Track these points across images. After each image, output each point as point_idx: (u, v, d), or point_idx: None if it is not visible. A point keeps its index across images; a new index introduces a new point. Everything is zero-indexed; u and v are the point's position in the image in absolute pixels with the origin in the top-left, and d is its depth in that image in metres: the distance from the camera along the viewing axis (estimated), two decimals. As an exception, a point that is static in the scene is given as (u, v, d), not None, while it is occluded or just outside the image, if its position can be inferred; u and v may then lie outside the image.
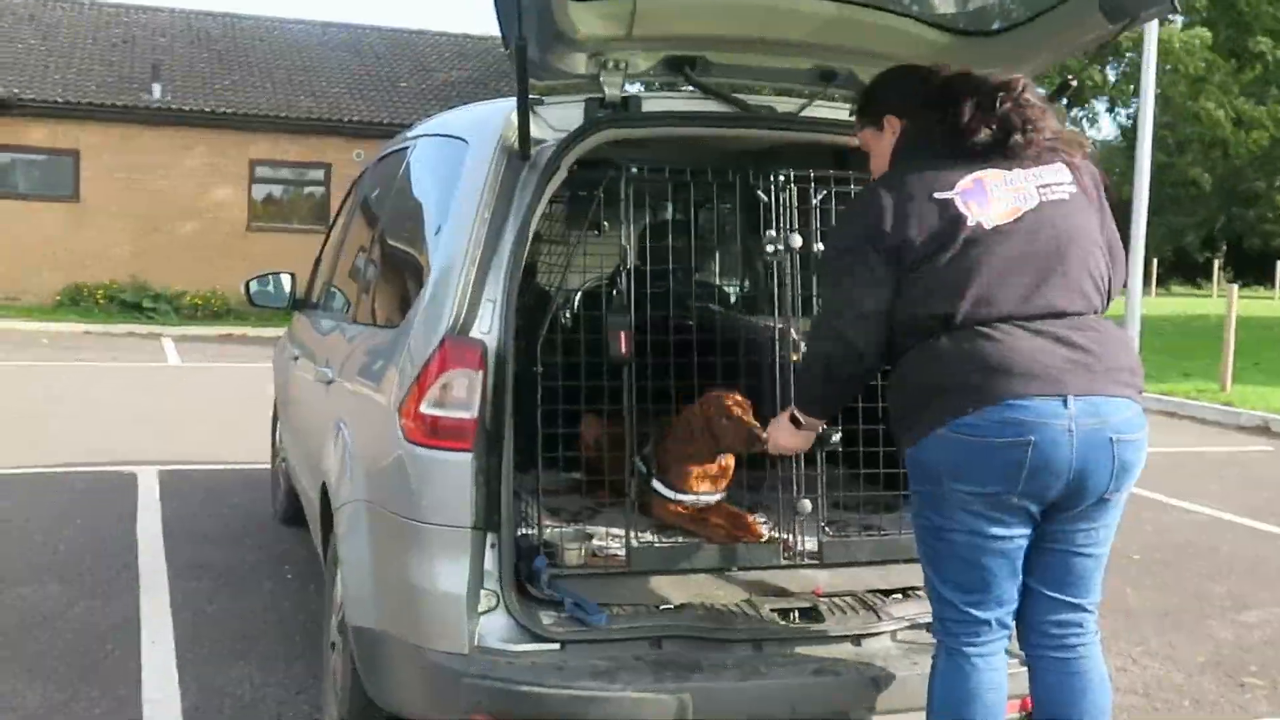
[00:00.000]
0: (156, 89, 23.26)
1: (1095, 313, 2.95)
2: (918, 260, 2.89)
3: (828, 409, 3.23)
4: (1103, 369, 2.84)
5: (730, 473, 3.95)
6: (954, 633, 2.96)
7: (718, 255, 5.44)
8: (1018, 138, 2.94)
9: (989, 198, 2.91)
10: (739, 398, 3.82)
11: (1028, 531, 2.88)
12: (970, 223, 2.88)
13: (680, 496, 3.86)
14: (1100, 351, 2.85)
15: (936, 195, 2.92)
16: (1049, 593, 2.98)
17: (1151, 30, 15.43)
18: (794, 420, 3.23)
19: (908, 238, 2.89)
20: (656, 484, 3.85)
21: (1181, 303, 37.72)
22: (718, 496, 3.91)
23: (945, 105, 2.99)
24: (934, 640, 3.05)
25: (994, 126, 2.93)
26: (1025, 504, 2.81)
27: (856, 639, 3.30)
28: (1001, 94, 2.95)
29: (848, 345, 2.96)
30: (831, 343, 3.01)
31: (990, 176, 2.93)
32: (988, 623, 2.93)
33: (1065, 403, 2.76)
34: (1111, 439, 2.81)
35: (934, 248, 2.88)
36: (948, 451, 2.82)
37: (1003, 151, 2.94)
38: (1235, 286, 16.41)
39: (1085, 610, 3.00)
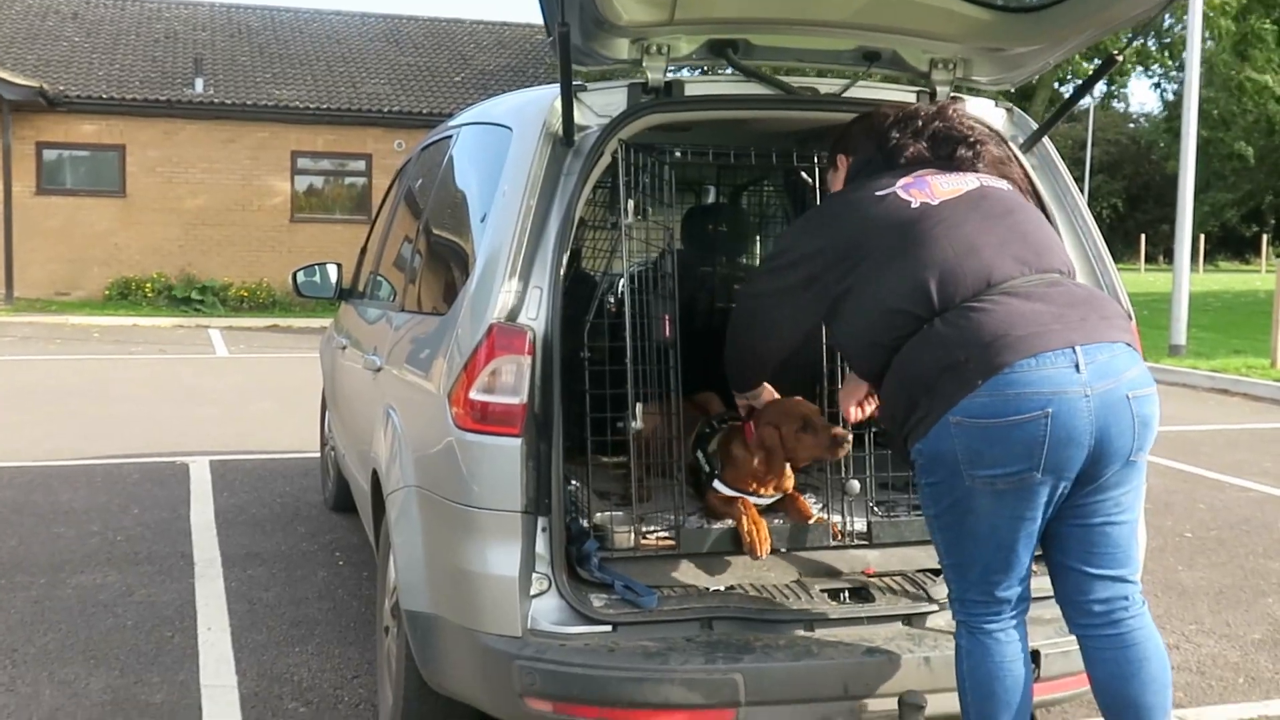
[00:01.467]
0: (199, 83, 23.50)
1: (1068, 273, 3.03)
2: (877, 253, 2.99)
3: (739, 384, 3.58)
4: (1098, 318, 2.86)
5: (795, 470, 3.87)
6: (976, 613, 2.97)
7: (760, 238, 5.42)
8: (964, 151, 3.19)
9: (930, 186, 3.07)
10: (804, 403, 3.72)
11: (1049, 506, 2.85)
12: (915, 205, 3.02)
13: (748, 497, 3.76)
14: (1092, 302, 2.91)
15: (878, 193, 3.09)
16: (1090, 570, 2.95)
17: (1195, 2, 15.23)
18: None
19: (861, 233, 3.04)
20: (719, 485, 3.79)
21: (1229, 279, 37.24)
22: (782, 495, 3.86)
23: (881, 134, 3.24)
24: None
25: (925, 143, 3.18)
26: (1048, 479, 2.77)
27: (907, 618, 3.31)
28: (925, 117, 3.23)
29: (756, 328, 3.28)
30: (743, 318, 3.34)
31: (929, 174, 3.13)
32: (1008, 600, 2.95)
33: (1077, 366, 2.73)
34: (1128, 396, 2.79)
35: (890, 237, 2.99)
36: (962, 438, 2.79)
37: (946, 164, 3.17)
38: (1285, 260, 16.14)
39: (1128, 582, 2.97)
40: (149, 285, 22.36)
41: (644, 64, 3.48)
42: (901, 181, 3.09)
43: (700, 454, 3.87)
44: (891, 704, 3.09)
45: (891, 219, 3.01)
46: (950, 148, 3.19)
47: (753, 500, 3.70)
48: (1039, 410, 2.71)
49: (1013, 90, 4.11)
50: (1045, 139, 3.78)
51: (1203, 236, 39.29)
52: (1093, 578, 2.95)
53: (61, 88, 22.23)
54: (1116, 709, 2.97)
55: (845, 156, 3.38)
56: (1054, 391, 2.71)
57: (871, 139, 3.27)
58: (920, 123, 3.22)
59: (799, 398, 3.77)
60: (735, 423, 3.86)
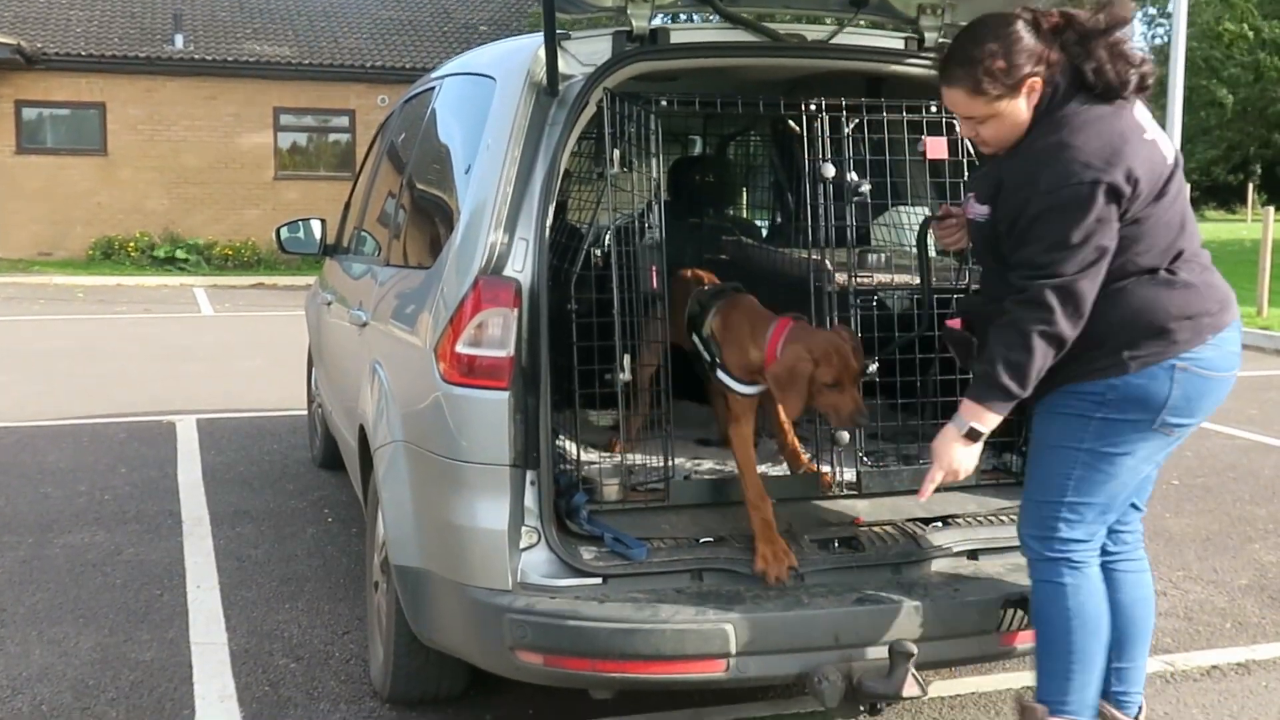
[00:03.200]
0: (179, 39, 23.23)
1: None
2: (1143, 200, 2.87)
3: (1028, 387, 2.90)
4: None
5: None
6: (1078, 550, 3.04)
7: (745, 188, 5.39)
8: (1147, 77, 2.99)
9: (1157, 138, 2.97)
10: (852, 348, 3.37)
11: None
12: (1169, 160, 2.95)
13: (747, 390, 3.60)
14: None
15: (1145, 136, 2.92)
16: (1138, 504, 3.24)
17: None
18: (971, 434, 2.96)
19: (1134, 178, 2.83)
20: (722, 376, 3.64)
21: (1215, 228, 37.23)
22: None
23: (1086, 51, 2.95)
24: (1040, 565, 3.08)
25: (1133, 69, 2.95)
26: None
27: (896, 567, 3.32)
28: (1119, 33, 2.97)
29: (1077, 299, 2.82)
30: (1057, 294, 2.81)
31: (1141, 115, 3.00)
32: (1099, 538, 3.09)
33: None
34: None
35: (1155, 188, 2.89)
36: (1183, 384, 2.91)
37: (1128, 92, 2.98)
38: (1271, 209, 16.11)
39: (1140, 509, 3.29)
40: (132, 245, 22.17)
41: (629, 11, 3.42)
42: (1147, 125, 2.98)
43: (696, 338, 3.75)
44: (881, 652, 3.10)
45: (1158, 174, 2.92)
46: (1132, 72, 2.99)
47: (754, 391, 3.56)
48: (1235, 370, 3.00)
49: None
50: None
51: (1188, 186, 39.17)
52: (1136, 510, 3.24)
53: (39, 45, 21.93)
54: (1136, 627, 3.21)
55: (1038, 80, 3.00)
56: (1239, 353, 3.03)
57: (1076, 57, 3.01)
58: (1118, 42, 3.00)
59: (845, 335, 3.47)
60: (734, 292, 3.72)
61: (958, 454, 2.99)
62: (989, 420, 2.94)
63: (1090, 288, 2.82)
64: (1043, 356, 2.83)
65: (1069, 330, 2.82)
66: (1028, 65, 2.92)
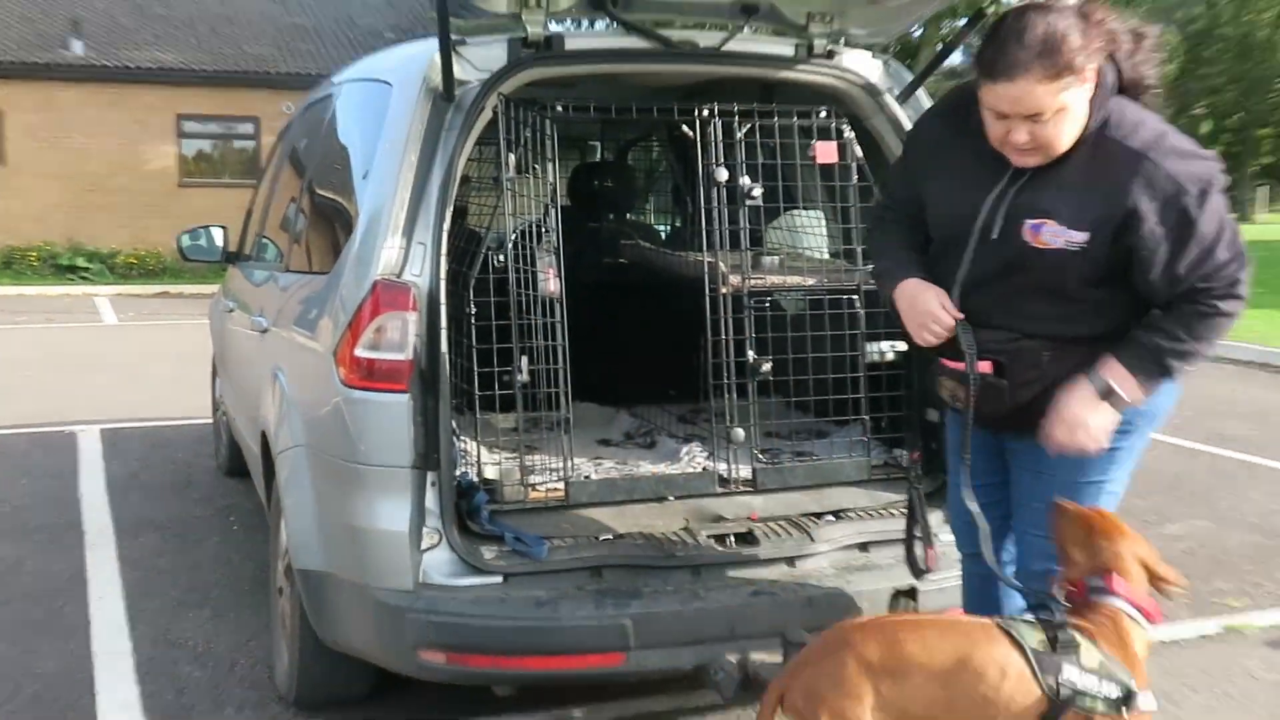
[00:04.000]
0: (77, 45, 22.73)
1: None
2: None
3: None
4: None
5: None
6: None
7: (646, 193, 5.44)
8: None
9: None
10: None
11: None
12: None
13: None
14: None
15: None
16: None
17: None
18: (1107, 393, 2.71)
19: None
20: None
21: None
22: None
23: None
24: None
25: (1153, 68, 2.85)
26: None
27: (791, 560, 3.37)
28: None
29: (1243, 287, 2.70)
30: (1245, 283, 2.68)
31: None
32: None
33: None
34: None
35: None
36: (1174, 396, 2.90)
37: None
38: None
39: None
40: (34, 254, 21.64)
41: (523, 17, 3.45)
42: None
43: None
44: (775, 643, 3.15)
45: None
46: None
47: None
48: None
49: (894, 48, 4.14)
50: (920, 90, 3.85)
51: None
52: None
53: (-68, 51, 21.40)
54: None
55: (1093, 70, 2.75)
56: None
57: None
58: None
59: None
60: None
61: (1089, 413, 2.72)
62: (1130, 393, 2.71)
63: None
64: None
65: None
66: (1096, 47, 2.68)
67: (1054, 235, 2.70)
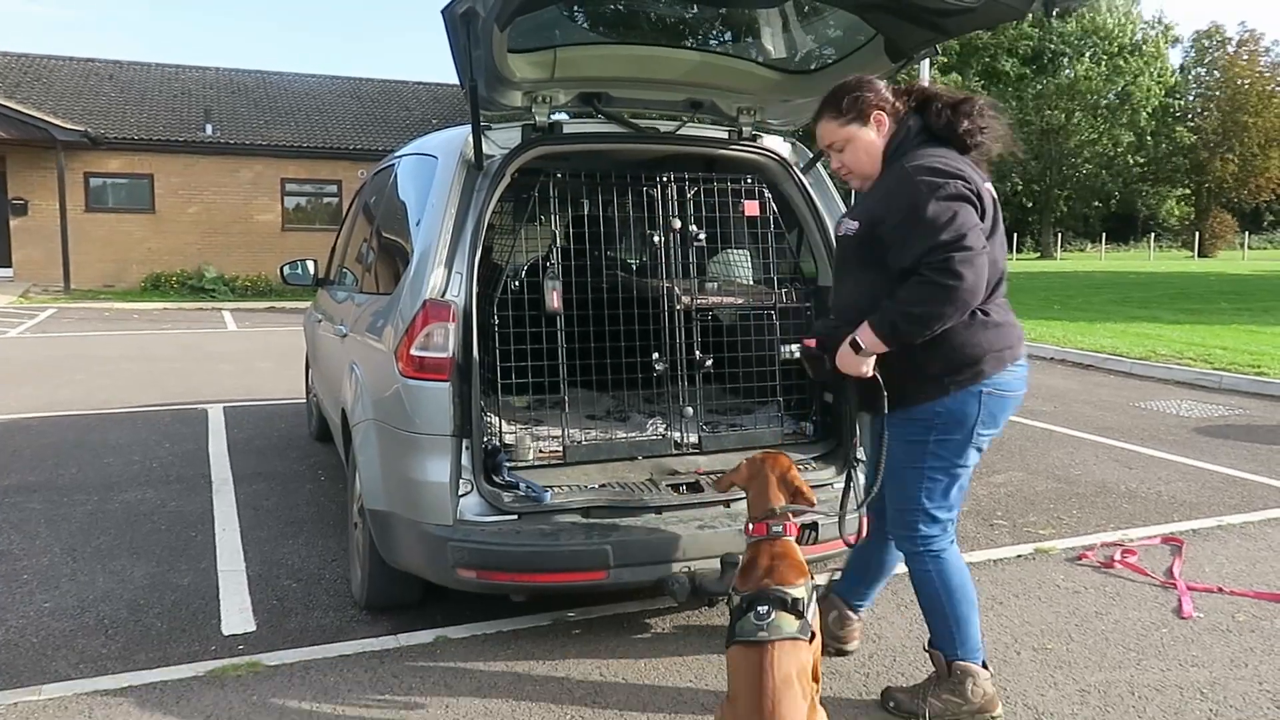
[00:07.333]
0: (209, 128, 22.45)
1: None
2: (987, 222, 2.57)
3: (903, 341, 2.58)
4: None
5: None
6: (936, 540, 2.79)
7: (622, 236, 5.39)
8: (983, 142, 2.67)
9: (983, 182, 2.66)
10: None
11: None
12: (988, 201, 2.63)
13: None
14: None
15: (977, 178, 2.61)
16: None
17: (924, 73, 15.46)
18: (854, 345, 2.64)
19: (983, 208, 2.56)
20: None
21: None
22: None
23: (928, 107, 2.71)
24: (911, 557, 2.84)
25: (978, 131, 2.67)
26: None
27: (726, 503, 3.34)
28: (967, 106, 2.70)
29: (975, 275, 2.45)
30: (968, 270, 2.44)
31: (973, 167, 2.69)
32: (951, 525, 2.83)
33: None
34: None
35: (990, 223, 2.60)
36: (987, 404, 2.66)
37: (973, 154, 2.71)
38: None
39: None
40: (175, 278, 21.37)
41: (533, 110, 3.45)
42: (978, 170, 2.66)
43: None
44: (715, 562, 3.14)
45: (990, 211, 2.61)
46: (980, 138, 2.70)
47: None
48: (1024, 390, 2.74)
49: (799, 132, 4.10)
50: (819, 164, 3.83)
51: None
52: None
53: (102, 131, 21.03)
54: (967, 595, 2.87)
55: (886, 116, 2.73)
56: (1026, 378, 2.77)
57: (919, 111, 2.72)
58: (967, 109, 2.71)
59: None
60: None
61: (845, 354, 2.67)
62: (867, 341, 2.60)
63: (983, 260, 2.46)
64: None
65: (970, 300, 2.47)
66: (874, 99, 2.68)
67: (846, 227, 2.75)
